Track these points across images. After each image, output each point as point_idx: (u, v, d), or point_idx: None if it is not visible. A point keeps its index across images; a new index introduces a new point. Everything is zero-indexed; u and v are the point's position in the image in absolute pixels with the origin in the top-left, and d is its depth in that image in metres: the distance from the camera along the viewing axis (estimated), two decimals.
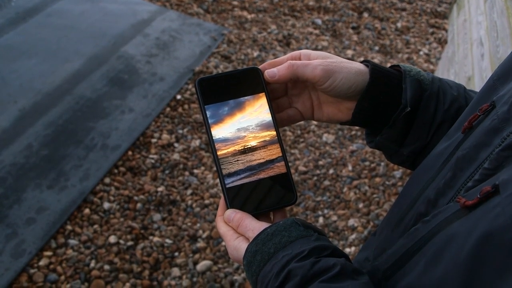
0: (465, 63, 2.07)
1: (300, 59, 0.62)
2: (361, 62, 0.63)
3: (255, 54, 3.23)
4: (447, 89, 0.63)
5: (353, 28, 3.67)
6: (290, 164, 2.47)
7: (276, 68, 0.60)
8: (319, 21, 3.69)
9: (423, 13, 3.95)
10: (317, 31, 3.59)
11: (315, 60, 0.60)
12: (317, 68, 0.58)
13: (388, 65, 3.28)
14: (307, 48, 3.35)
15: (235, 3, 3.81)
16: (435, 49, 3.53)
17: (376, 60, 3.29)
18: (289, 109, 0.66)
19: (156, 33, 3.29)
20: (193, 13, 3.61)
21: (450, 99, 0.62)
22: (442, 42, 3.59)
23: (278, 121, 0.64)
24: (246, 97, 0.62)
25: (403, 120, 0.60)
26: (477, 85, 1.75)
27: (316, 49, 3.36)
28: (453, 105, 0.62)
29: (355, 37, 3.56)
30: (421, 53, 3.46)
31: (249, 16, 3.67)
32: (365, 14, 3.85)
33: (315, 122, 2.76)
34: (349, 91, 0.59)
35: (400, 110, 0.60)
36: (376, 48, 3.46)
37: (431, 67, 3.31)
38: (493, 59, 1.58)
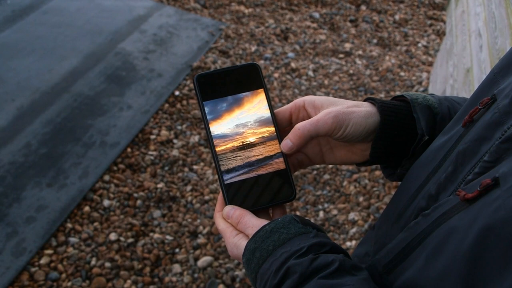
0: (464, 55, 2.07)
1: (304, 107, 0.62)
2: (365, 100, 0.63)
3: (253, 48, 3.22)
4: (456, 106, 0.63)
5: (351, 21, 3.66)
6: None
7: (288, 138, 0.59)
8: (316, 15, 3.68)
9: (421, 5, 3.93)
10: (315, 25, 3.57)
11: (322, 114, 0.59)
12: (327, 122, 0.57)
13: (387, 58, 3.27)
14: (305, 42, 3.34)
15: None
16: (433, 41, 3.52)
17: (374, 53, 3.28)
18: (298, 154, 0.65)
19: (153, 29, 3.27)
20: (190, 9, 3.59)
21: None
22: (441, 34, 3.58)
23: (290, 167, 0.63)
24: (244, 93, 0.62)
25: (422, 147, 0.60)
26: (476, 77, 1.75)
27: (314, 42, 3.35)
28: None
29: (353, 30, 3.54)
30: (419, 45, 3.45)
31: (246, 11, 3.65)
32: (363, 7, 3.84)
33: None
34: (361, 134, 0.59)
35: (418, 139, 0.60)
36: (374, 41, 3.45)
37: (430, 59, 3.30)
38: (491, 50, 1.57)
